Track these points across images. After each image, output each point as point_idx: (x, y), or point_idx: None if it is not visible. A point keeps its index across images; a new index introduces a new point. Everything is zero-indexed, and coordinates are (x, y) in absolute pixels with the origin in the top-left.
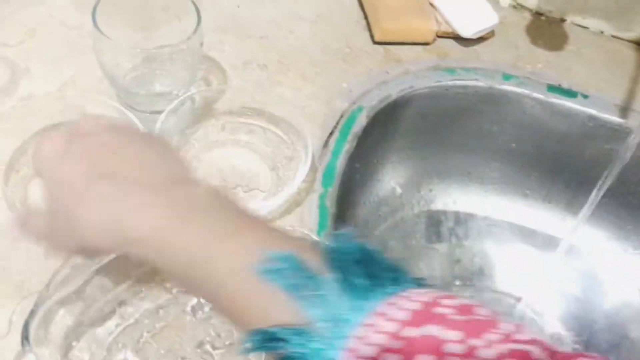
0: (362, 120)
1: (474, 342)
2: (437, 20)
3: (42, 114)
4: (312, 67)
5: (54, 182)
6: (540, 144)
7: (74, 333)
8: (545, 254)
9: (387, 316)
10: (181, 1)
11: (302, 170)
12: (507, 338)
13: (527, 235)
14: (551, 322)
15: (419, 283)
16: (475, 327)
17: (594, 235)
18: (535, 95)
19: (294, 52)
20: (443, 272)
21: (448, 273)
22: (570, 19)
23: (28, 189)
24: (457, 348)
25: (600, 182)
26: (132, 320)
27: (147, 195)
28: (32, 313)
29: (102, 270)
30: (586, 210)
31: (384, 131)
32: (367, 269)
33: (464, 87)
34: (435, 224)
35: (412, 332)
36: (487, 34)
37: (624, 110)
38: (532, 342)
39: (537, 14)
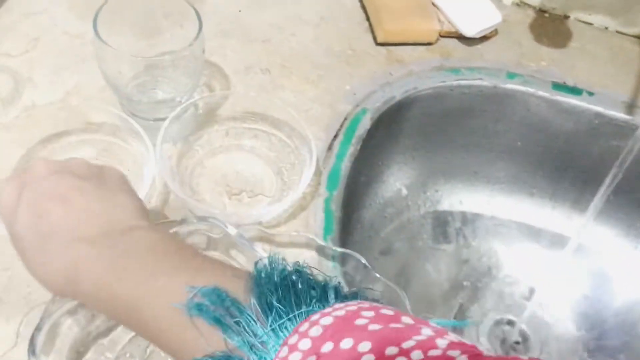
0: (366, 123)
1: (391, 350)
2: (439, 20)
3: (46, 123)
4: (315, 70)
5: (11, 234)
6: (546, 143)
7: (82, 344)
8: (553, 253)
9: (305, 334)
10: (183, 8)
11: (307, 174)
12: (427, 343)
13: (535, 234)
14: (562, 322)
15: (345, 297)
16: (395, 335)
17: (602, 233)
18: (540, 93)
19: (297, 55)
20: (451, 272)
21: (456, 274)
22: (574, 15)
23: None
24: (371, 358)
25: (607, 180)
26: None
27: (87, 250)
28: (39, 325)
29: None
30: (594, 208)
31: (388, 133)
32: (290, 290)
33: (468, 86)
34: (442, 225)
35: (328, 347)
36: (491, 32)
37: (630, 106)
38: (454, 346)
39: (541, 11)
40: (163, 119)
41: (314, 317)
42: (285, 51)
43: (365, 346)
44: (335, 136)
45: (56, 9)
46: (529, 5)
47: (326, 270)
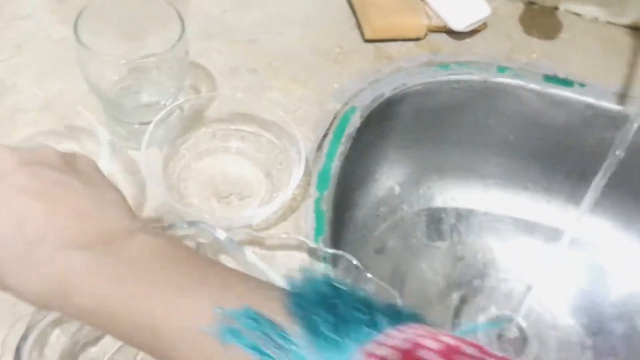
0: (355, 121)
1: None
2: (427, 15)
3: (29, 129)
4: (302, 69)
5: None
6: (538, 136)
7: (70, 353)
8: (549, 247)
9: None
10: (165, 9)
11: (296, 175)
12: None
13: (530, 228)
14: (559, 316)
15: (396, 318)
16: None
17: (598, 225)
18: (532, 86)
19: (284, 55)
20: (446, 270)
21: (451, 271)
22: (563, 6)
23: None
24: None
25: (600, 171)
26: None
27: (80, 259)
28: (25, 335)
29: None
30: (588, 200)
31: (379, 130)
32: (335, 312)
33: (458, 81)
34: (436, 222)
35: None
36: (480, 26)
37: (622, 97)
38: None
39: (530, 3)
40: (148, 123)
41: (370, 347)
42: (272, 51)
43: None
44: (325, 135)
45: (40, 13)
46: None
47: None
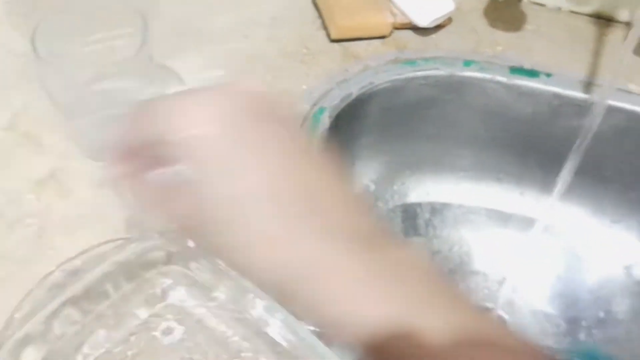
0: (325, 122)
1: None
2: (392, 13)
3: None
4: (269, 71)
5: (213, 191)
6: (508, 127)
7: None
8: (524, 236)
9: None
10: (129, 15)
11: None
12: None
13: (504, 219)
14: (536, 303)
15: None
16: None
17: (571, 212)
18: (498, 78)
19: (251, 57)
20: None
21: None
22: None
23: None
24: None
25: (569, 159)
26: (102, 350)
27: (337, 250)
28: None
29: (68, 302)
30: (559, 188)
31: (349, 130)
32: None
33: (425, 77)
34: (412, 217)
35: None
36: (445, 21)
37: (588, 85)
38: None
39: None
40: None
41: None
42: (239, 54)
43: None
44: None
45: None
46: None
47: None
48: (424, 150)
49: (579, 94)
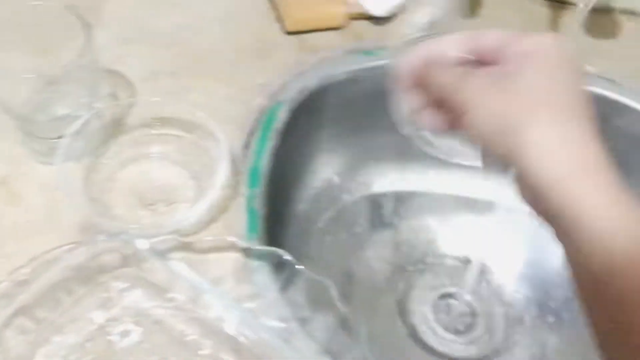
0: (283, 115)
1: None
2: (347, 3)
3: None
4: (225, 67)
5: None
6: None
7: None
8: (489, 221)
9: None
10: (71, 20)
11: (221, 174)
12: None
13: (469, 204)
14: (506, 287)
15: None
16: None
17: None
18: None
19: (205, 54)
20: (391, 255)
21: (396, 256)
22: None
23: None
24: None
25: None
26: (58, 358)
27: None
28: None
29: (19, 312)
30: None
31: (309, 123)
32: None
33: (382, 67)
34: (377, 208)
35: None
36: (400, 9)
37: None
38: None
39: None
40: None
41: None
42: (193, 52)
43: None
44: (252, 133)
45: None
46: None
47: (252, 270)
48: (386, 140)
49: None
